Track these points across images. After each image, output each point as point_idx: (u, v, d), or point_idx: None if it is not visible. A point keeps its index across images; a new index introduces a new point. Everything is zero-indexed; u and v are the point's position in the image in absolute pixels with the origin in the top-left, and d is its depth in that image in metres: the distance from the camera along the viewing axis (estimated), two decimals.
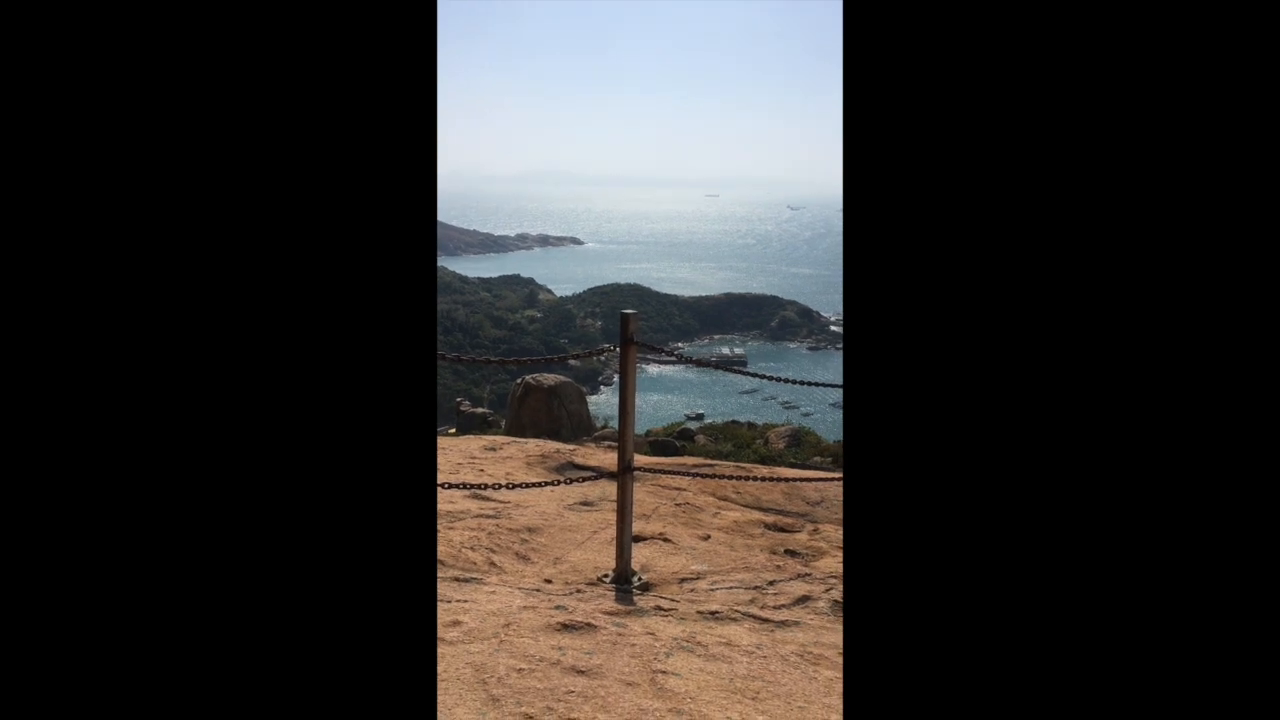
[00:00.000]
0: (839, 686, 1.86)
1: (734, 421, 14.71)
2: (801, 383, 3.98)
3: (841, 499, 4.52)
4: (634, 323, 2.68)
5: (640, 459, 5.49)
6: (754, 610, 2.46)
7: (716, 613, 2.37)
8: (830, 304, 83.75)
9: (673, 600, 2.54)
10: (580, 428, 10.44)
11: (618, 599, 2.50)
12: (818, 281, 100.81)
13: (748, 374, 4.23)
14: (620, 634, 1.99)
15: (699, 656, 1.88)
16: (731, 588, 2.80)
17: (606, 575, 2.82)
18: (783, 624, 2.33)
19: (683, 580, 2.88)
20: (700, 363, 3.30)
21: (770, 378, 3.90)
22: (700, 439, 10.81)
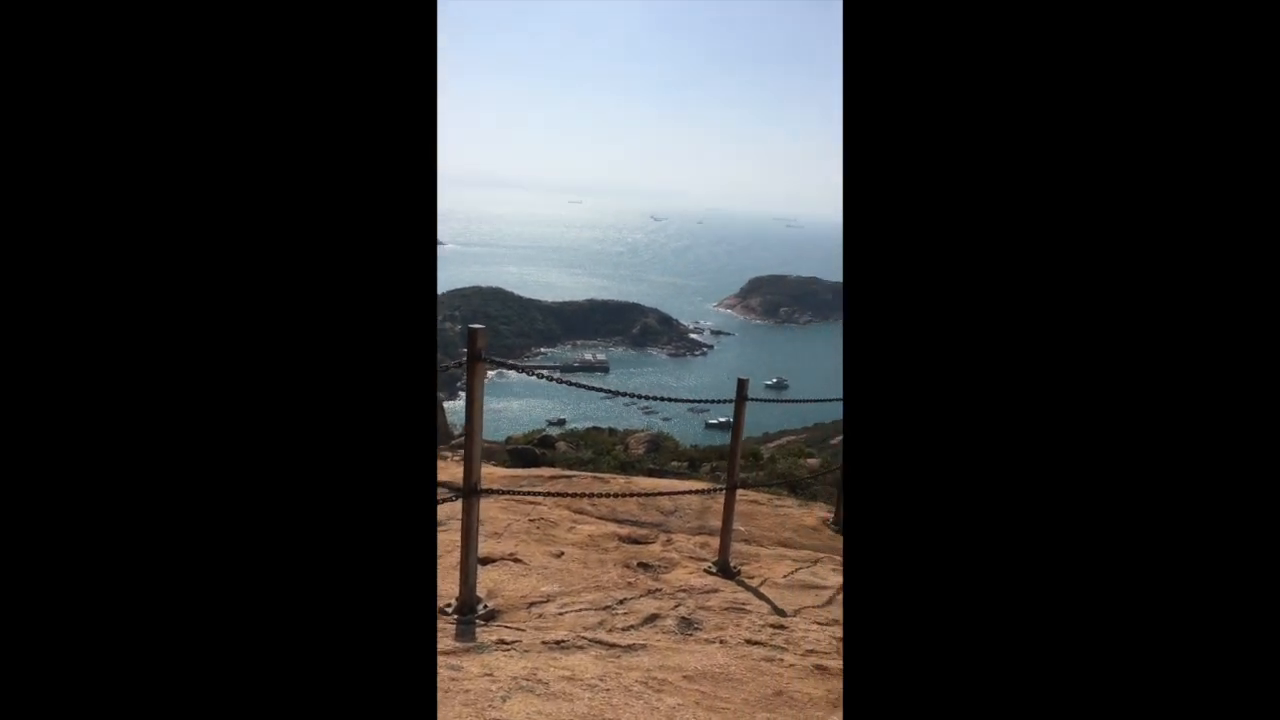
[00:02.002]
0: (680, 715, 1.83)
1: (595, 428, 14.73)
2: (662, 398, 3.99)
3: (694, 508, 4.59)
4: (482, 338, 2.53)
5: (497, 472, 5.29)
6: (601, 635, 2.40)
7: (562, 642, 2.27)
8: (689, 313, 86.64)
9: (518, 630, 2.41)
10: (438, 436, 9.97)
11: (458, 634, 2.33)
12: (681, 290, 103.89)
13: (598, 390, 4.14)
14: (454, 678, 1.85)
15: (538, 696, 1.77)
16: (581, 610, 2.72)
17: (449, 605, 2.63)
18: (629, 648, 2.28)
19: (531, 605, 2.76)
20: (549, 377, 3.19)
21: (626, 394, 3.87)
22: (561, 446, 10.69)
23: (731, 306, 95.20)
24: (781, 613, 2.91)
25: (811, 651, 2.40)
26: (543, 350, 64.27)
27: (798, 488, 6.92)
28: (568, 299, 76.43)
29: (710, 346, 74.78)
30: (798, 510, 5.13)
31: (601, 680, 1.93)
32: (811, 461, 9.81)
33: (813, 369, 59.78)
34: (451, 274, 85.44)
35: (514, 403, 48.20)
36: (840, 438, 5.00)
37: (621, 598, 2.90)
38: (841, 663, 2.34)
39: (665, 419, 42.98)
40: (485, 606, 2.65)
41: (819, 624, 2.76)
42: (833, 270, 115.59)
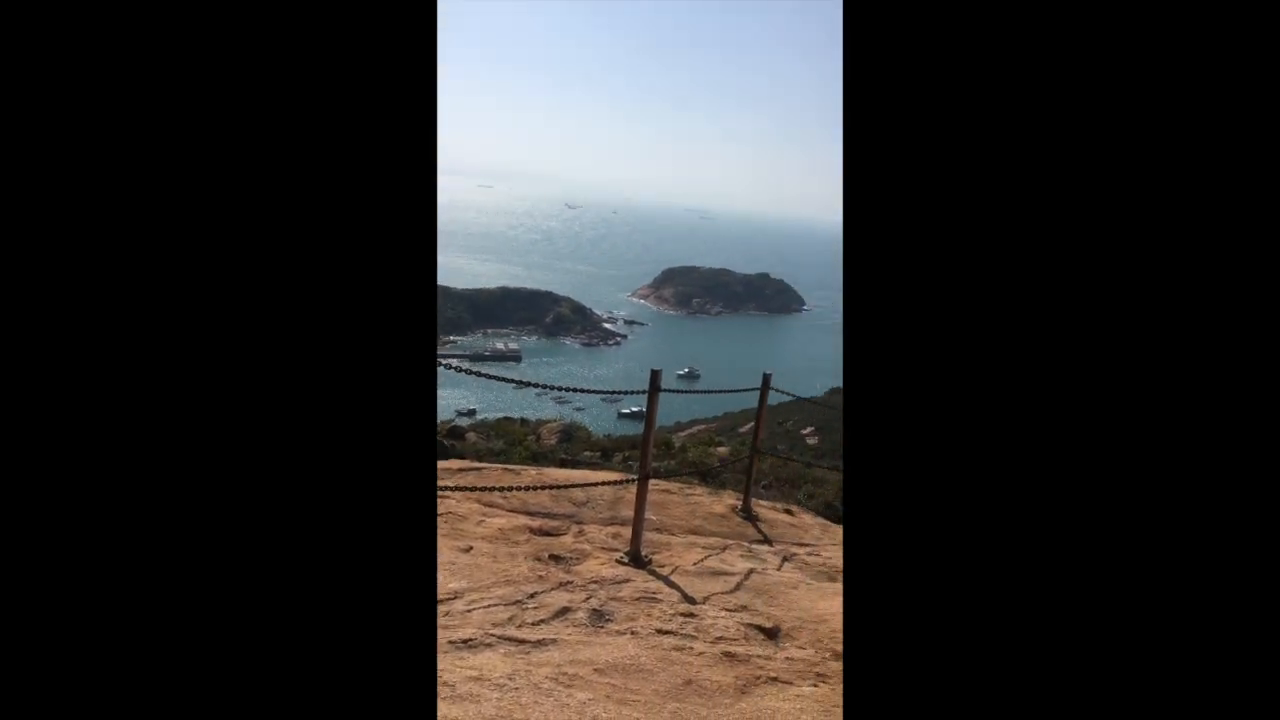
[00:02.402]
0: (591, 709, 1.82)
1: (506, 418, 14.48)
2: (575, 389, 3.94)
3: (606, 499, 4.59)
4: None
5: None
6: (511, 631, 2.35)
7: (470, 640, 2.21)
8: (603, 302, 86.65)
9: None
10: None
11: None
12: (595, 280, 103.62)
13: (510, 380, 4.05)
14: None
15: (444, 700, 1.71)
16: (490, 606, 2.65)
17: None
18: (539, 644, 2.24)
19: (440, 601, 2.67)
20: (458, 367, 3.09)
21: (538, 384, 3.81)
22: (471, 437, 10.45)
23: (645, 296, 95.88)
24: (692, 600, 2.95)
25: (720, 639, 2.44)
26: (453, 339, 62.56)
27: (708, 476, 7.06)
28: (479, 286, 74.70)
29: (624, 336, 75.09)
30: (708, 498, 5.22)
31: (510, 679, 1.89)
32: (721, 450, 10.03)
33: (724, 359, 61.18)
34: None
35: None
36: (750, 425, 5.14)
37: (532, 591, 2.85)
38: (748, 649, 2.40)
39: (578, 409, 42.88)
40: None
41: (727, 610, 2.82)
42: (744, 262, 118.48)
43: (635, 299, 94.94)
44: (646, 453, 3.69)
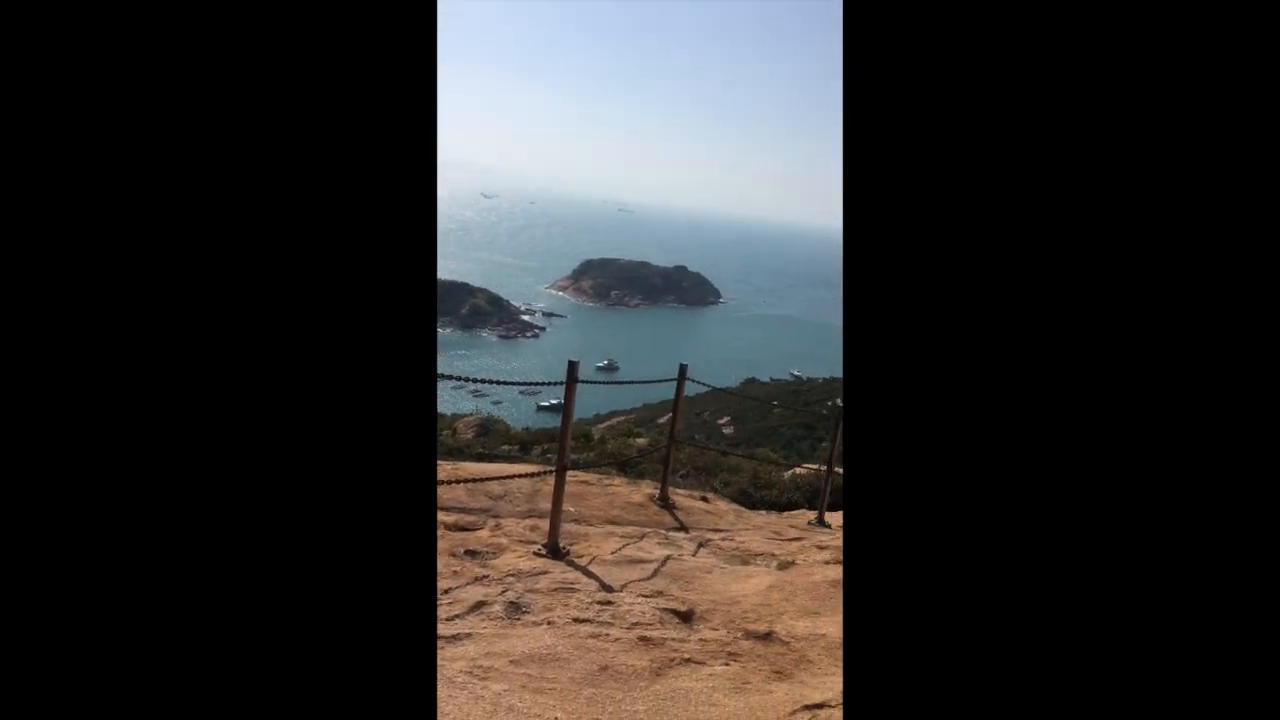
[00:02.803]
0: (506, 700, 1.82)
1: None
2: (492, 381, 3.89)
3: (524, 491, 4.56)
4: None
5: None
6: None
7: None
8: (521, 294, 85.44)
9: None
10: None
11: None
12: (512, 271, 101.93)
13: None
14: None
15: None
16: None
17: None
18: (454, 638, 2.21)
19: None
20: None
21: (454, 377, 3.73)
22: None
23: (564, 288, 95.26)
24: (609, 589, 2.98)
25: (636, 624, 2.49)
26: None
27: (627, 467, 7.12)
28: None
29: (542, 329, 74.34)
30: (626, 488, 5.28)
31: None
32: (640, 441, 10.13)
33: (642, 351, 61.63)
34: None
35: None
36: (669, 416, 5.22)
37: (446, 587, 2.81)
38: (663, 632, 2.45)
39: (496, 402, 42.18)
40: None
41: (644, 597, 2.86)
42: (662, 255, 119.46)
43: (554, 291, 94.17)
44: (564, 444, 3.69)
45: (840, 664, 2.31)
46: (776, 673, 2.22)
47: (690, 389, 5.05)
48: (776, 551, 4.12)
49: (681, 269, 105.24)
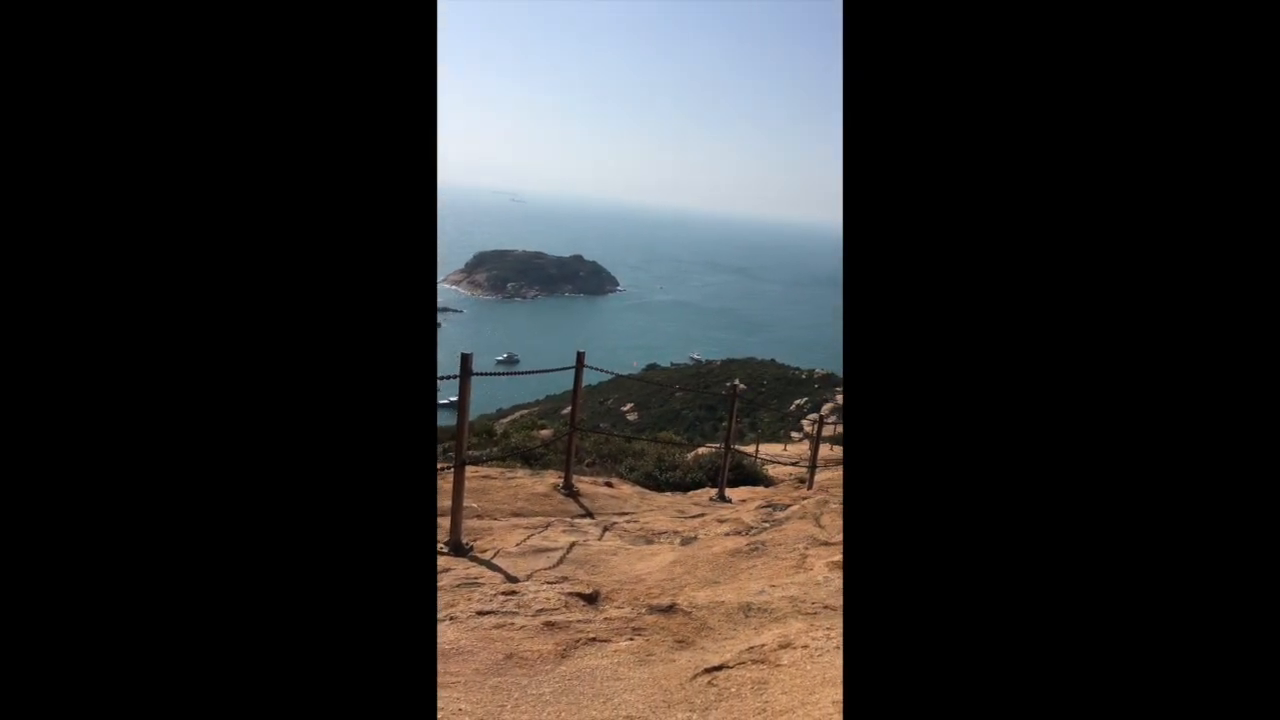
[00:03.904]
0: None
1: None
2: None
3: None
4: None
5: None
6: None
7: None
8: None
9: None
10: None
11: None
12: None
13: None
14: None
15: None
16: None
17: None
18: None
19: None
20: None
21: None
22: None
23: (458, 282, 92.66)
24: (514, 580, 2.98)
25: (542, 611, 2.50)
26: None
27: (531, 459, 7.07)
28: None
29: (438, 325, 72.09)
30: (530, 480, 5.25)
31: None
32: (545, 432, 10.07)
33: (543, 342, 61.04)
34: None
35: None
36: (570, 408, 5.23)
37: None
38: (568, 616, 2.48)
39: None
40: None
41: (549, 584, 2.88)
42: (557, 245, 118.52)
43: (448, 285, 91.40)
44: (461, 439, 3.63)
45: (739, 626, 2.42)
46: (679, 642, 2.30)
47: (593, 377, 5.08)
48: (679, 529, 4.24)
49: (578, 258, 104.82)
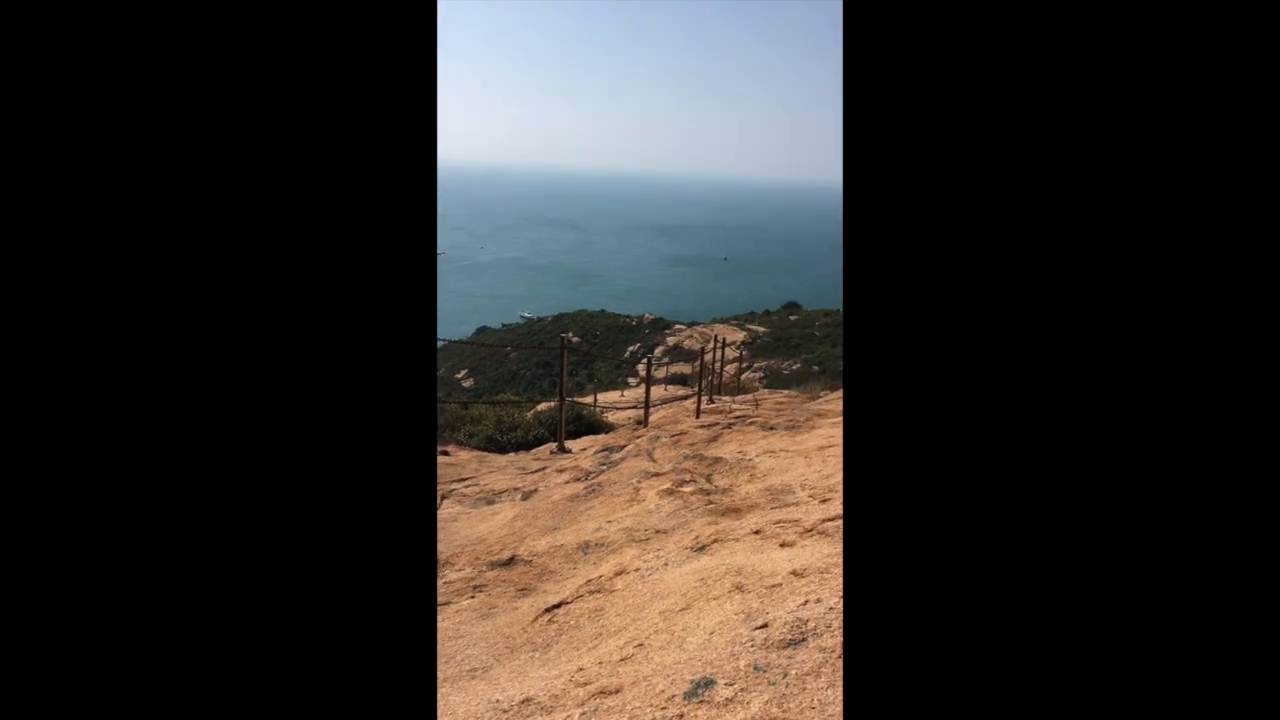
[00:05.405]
0: None
1: None
2: None
3: None
4: None
5: None
6: None
7: None
8: None
9: None
10: None
11: None
12: None
13: None
14: None
15: None
16: None
17: None
18: None
19: None
20: None
21: None
22: None
23: None
24: None
25: None
26: None
27: None
28: None
29: None
30: None
31: None
32: None
33: None
34: None
35: None
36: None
37: None
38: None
39: None
40: None
41: None
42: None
43: None
44: None
45: (578, 565, 2.53)
46: (521, 590, 2.36)
47: None
48: (520, 485, 4.28)
49: None
